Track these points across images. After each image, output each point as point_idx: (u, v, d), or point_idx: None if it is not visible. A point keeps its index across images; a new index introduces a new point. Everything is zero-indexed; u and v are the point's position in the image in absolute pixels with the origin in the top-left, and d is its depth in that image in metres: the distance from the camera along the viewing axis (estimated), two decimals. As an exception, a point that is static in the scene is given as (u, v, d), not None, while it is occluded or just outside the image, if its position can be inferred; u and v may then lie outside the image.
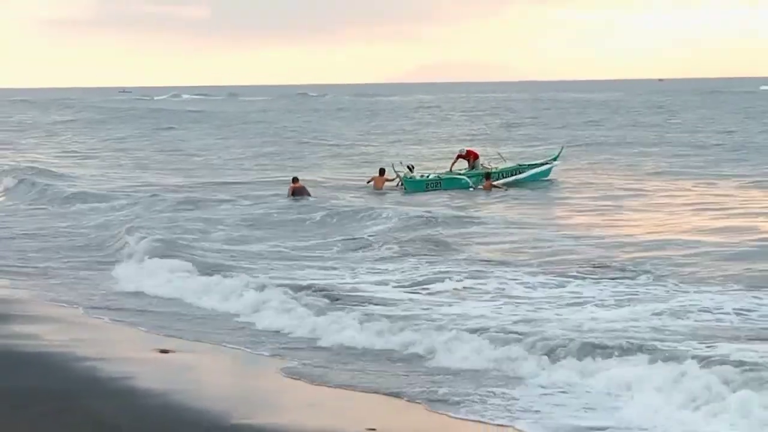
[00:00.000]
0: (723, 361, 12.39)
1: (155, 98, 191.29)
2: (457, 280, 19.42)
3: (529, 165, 39.76)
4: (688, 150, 52.79)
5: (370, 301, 17.67)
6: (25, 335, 14.93)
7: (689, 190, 35.26)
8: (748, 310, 16.26)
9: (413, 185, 37.39)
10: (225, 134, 76.87)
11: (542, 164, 39.88)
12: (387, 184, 37.89)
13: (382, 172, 38.26)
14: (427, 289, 18.93)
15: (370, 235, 26.07)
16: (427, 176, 38.44)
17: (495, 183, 37.08)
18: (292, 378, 13.06)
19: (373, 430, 10.71)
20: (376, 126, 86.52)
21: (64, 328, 15.74)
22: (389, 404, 11.96)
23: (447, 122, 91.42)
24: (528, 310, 16.71)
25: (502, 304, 17.26)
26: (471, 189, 36.95)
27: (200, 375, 13.16)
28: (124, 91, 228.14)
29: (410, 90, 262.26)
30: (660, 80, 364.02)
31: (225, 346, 14.97)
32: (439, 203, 33.55)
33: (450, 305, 17.35)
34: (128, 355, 14.13)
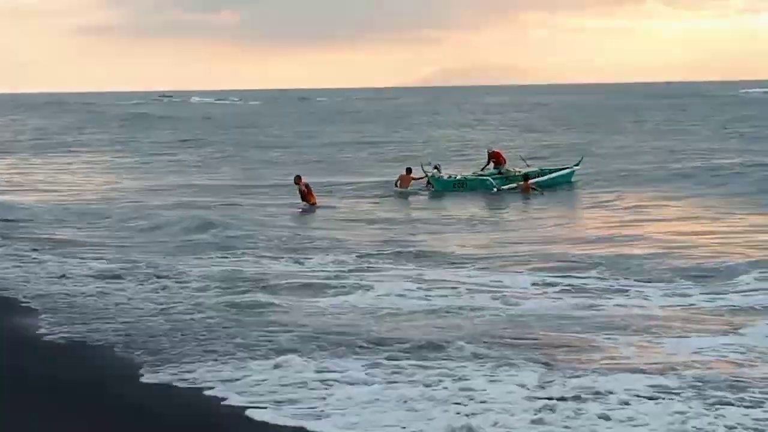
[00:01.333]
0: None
1: (164, 101, 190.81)
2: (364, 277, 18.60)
3: (550, 170, 39.20)
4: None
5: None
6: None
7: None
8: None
9: (441, 184, 37.43)
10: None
11: (562, 169, 39.26)
12: (414, 182, 37.23)
13: (409, 171, 37.65)
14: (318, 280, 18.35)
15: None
16: (455, 177, 38.35)
17: (530, 184, 36.21)
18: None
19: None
20: (404, 127, 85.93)
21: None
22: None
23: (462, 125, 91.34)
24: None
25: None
26: (495, 191, 36.50)
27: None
28: (164, 95, 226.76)
29: (425, 93, 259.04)
30: (668, 83, 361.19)
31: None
32: (437, 206, 33.18)
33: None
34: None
